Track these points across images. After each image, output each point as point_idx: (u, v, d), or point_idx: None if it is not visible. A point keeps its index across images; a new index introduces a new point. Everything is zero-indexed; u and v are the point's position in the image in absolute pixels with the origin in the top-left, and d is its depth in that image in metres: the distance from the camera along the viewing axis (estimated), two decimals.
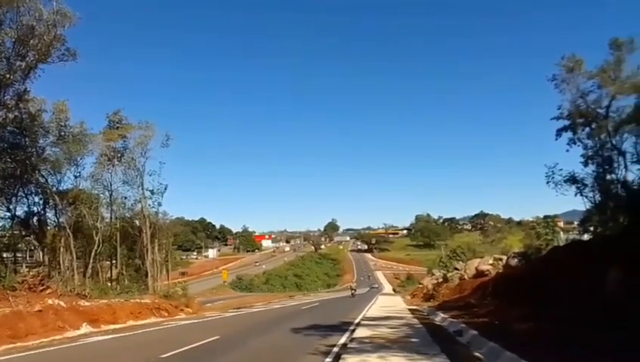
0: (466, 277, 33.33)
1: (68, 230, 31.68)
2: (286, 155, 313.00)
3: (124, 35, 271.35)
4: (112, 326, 19.86)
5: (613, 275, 11.91)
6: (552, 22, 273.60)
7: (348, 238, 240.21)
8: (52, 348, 13.57)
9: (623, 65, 24.94)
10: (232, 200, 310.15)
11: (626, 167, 25.20)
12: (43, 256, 32.96)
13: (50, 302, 18.38)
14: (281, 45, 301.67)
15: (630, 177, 24.68)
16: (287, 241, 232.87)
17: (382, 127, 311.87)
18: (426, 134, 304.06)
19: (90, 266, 33.54)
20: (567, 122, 27.77)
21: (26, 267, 29.81)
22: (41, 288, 20.22)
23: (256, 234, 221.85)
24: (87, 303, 20.79)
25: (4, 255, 31.79)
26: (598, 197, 26.99)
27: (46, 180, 32.01)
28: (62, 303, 18.88)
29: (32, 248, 36.82)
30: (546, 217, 52.52)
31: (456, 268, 40.16)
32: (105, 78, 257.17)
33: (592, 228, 28.26)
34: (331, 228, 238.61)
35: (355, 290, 54.12)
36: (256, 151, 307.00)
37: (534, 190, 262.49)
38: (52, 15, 21.99)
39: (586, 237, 28.22)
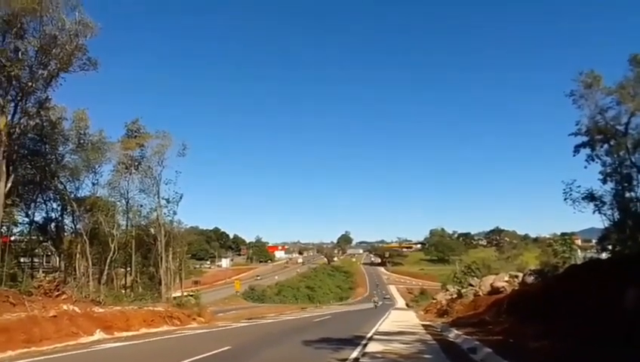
0: (480, 293, 32.86)
1: (84, 236, 32.09)
2: (301, 167, 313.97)
3: (143, 43, 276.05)
4: (125, 334, 19.92)
5: (631, 294, 11.67)
6: (572, 36, 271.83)
7: (361, 251, 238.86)
8: (66, 354, 13.65)
9: None
10: (247, 210, 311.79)
11: None
12: (59, 262, 33.45)
13: (64, 307, 18.52)
14: (296, 56, 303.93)
15: None
16: (300, 253, 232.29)
17: (397, 141, 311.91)
18: (442, 148, 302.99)
19: (105, 273, 33.90)
20: (585, 138, 27.53)
21: (43, 272, 30.19)
22: (57, 293, 20.43)
23: (270, 244, 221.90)
24: (101, 310, 20.92)
25: (22, 260, 32.32)
26: (616, 215, 26.62)
27: (64, 187, 32.55)
28: (76, 309, 19.02)
29: (49, 254, 37.30)
30: (563, 234, 51.76)
31: (471, 284, 39.62)
32: (124, 86, 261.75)
33: (610, 247, 27.82)
34: (344, 240, 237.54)
35: (377, 303, 70.14)
36: (272, 162, 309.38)
37: (551, 206, 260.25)
38: (74, 25, 22.43)
39: (604, 255, 27.78)
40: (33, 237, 33.45)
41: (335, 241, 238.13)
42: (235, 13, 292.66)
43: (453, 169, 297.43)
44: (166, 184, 38.53)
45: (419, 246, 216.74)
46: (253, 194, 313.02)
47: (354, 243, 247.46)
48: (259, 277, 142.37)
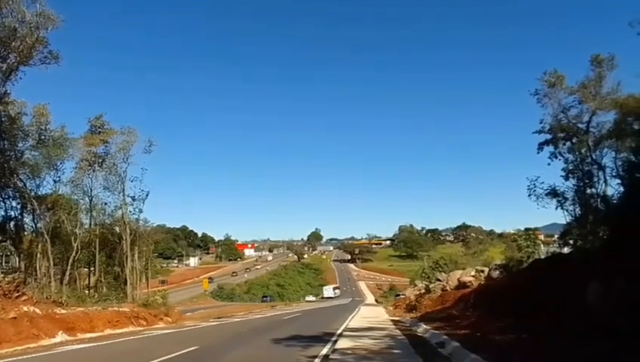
0: (448, 288, 33.40)
1: (45, 236, 31.01)
2: (270, 164, 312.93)
3: (106, 39, 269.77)
4: (88, 335, 19.40)
5: (592, 288, 12.02)
6: (536, 37, 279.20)
7: (331, 248, 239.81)
8: (26, 356, 13.18)
9: (603, 82, 25.52)
10: (215, 208, 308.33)
11: (605, 181, 25.74)
12: (19, 262, 32.20)
13: (25, 309, 17.93)
14: (263, 52, 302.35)
15: (610, 191, 25.22)
16: (270, 250, 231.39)
17: (366, 137, 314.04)
18: (409, 145, 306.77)
19: (67, 273, 32.84)
20: (548, 136, 28.28)
21: (1, 273, 29.02)
22: (17, 295, 19.72)
23: (239, 242, 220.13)
24: (63, 311, 20.33)
25: None
26: (578, 210, 27.44)
27: (24, 184, 31.35)
28: (37, 310, 18.44)
29: (8, 254, 35.91)
30: (527, 230, 53.13)
31: (439, 280, 40.24)
32: (87, 82, 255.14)
33: (572, 242, 28.63)
34: (315, 237, 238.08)
35: (354, 298, 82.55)
36: (240, 159, 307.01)
37: (516, 203, 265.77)
38: (35, 17, 21.71)
39: (566, 250, 28.57)
40: None
41: (305, 238, 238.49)
42: (203, 10, 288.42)
43: (421, 166, 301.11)
44: (131, 181, 37.57)
45: (388, 242, 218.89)
46: (222, 192, 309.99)
47: (324, 240, 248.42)
48: (234, 274, 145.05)
